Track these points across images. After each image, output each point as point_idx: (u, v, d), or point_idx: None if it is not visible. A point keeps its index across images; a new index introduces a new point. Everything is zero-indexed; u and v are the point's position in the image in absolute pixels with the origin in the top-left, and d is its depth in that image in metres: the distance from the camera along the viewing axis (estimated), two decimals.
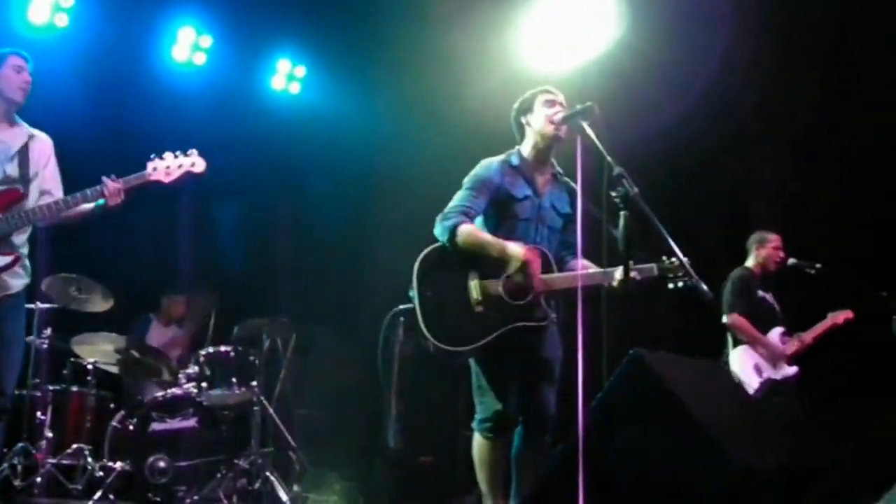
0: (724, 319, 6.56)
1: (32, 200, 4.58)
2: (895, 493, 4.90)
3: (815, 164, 7.80)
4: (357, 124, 8.32)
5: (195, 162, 4.85)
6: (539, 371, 4.40)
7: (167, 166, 4.75)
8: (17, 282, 4.54)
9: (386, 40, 7.99)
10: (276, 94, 8.72)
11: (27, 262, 4.59)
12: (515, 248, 4.26)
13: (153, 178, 4.72)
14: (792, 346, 6.56)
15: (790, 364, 6.55)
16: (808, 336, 6.62)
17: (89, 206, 4.58)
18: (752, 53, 7.68)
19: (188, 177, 4.83)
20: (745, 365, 6.48)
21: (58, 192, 4.69)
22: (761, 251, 6.81)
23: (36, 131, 4.72)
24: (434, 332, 4.23)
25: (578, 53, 6.93)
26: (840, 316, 6.65)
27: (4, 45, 4.70)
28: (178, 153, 4.80)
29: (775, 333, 6.61)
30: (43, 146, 4.72)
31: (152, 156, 4.73)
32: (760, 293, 6.72)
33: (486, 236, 4.38)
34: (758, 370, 6.47)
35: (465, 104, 7.21)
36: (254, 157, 8.21)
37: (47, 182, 4.69)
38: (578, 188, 4.04)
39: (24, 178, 4.57)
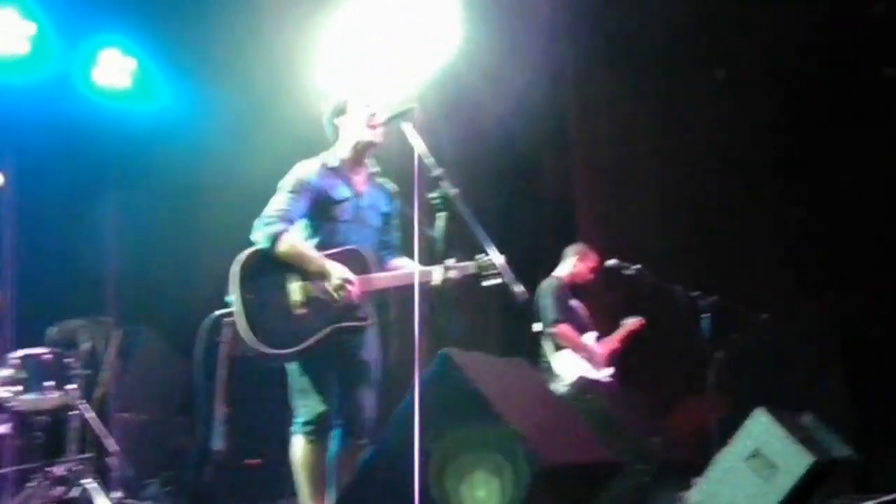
0: (550, 329, 6.79)
1: None
2: (709, 479, 5.16)
3: (635, 165, 8.11)
4: (186, 121, 8.08)
5: None
6: (357, 372, 4.41)
7: None
8: None
9: (218, 36, 7.82)
10: (102, 88, 8.39)
11: None
12: (337, 270, 4.24)
13: None
14: (606, 349, 6.89)
15: (607, 365, 6.87)
16: (613, 342, 6.96)
17: None
18: (570, 54, 7.91)
19: None
20: (571, 366, 6.72)
21: None
22: (578, 265, 7.06)
23: None
24: (255, 335, 4.17)
25: (405, 54, 6.96)
26: (634, 323, 7.06)
27: None
28: None
29: (589, 339, 6.91)
30: None
31: None
32: (572, 302, 6.99)
33: (309, 252, 4.33)
34: (582, 370, 6.76)
35: (294, 106, 7.14)
36: (79, 152, 7.89)
37: None
38: (416, 194, 4.04)
39: None
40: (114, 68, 8.35)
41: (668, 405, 7.55)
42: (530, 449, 3.26)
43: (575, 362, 6.78)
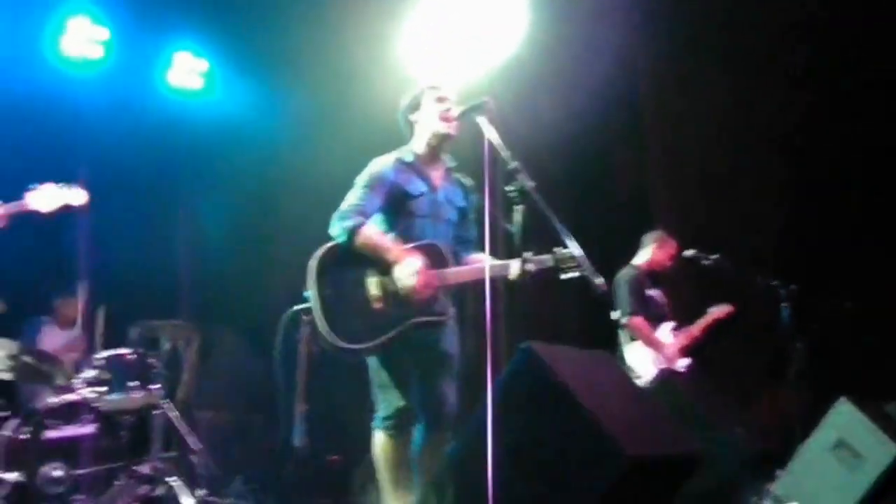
0: (623, 321, 6.74)
1: None
2: (793, 470, 5.06)
3: (711, 154, 7.99)
4: (258, 121, 8.19)
5: (75, 196, 4.77)
6: (438, 366, 4.39)
7: (47, 197, 4.65)
8: None
9: (288, 36, 7.90)
10: (176, 90, 8.52)
11: None
12: (413, 260, 4.24)
13: (31, 207, 4.63)
14: (682, 341, 6.79)
15: (683, 357, 6.78)
16: (695, 330, 6.84)
17: None
18: (645, 46, 7.82)
19: (68, 210, 4.75)
20: (643, 358, 6.65)
21: None
22: (657, 252, 6.98)
23: None
24: (334, 330, 4.18)
25: (475, 50, 6.96)
26: (722, 311, 6.91)
27: None
28: (60, 184, 4.70)
29: (665, 329, 6.82)
30: None
31: (32, 185, 4.62)
32: (649, 292, 6.91)
33: (387, 242, 4.34)
34: (655, 364, 6.69)
35: (366, 103, 7.17)
36: (153, 154, 8.02)
37: None
38: (486, 186, 4.03)
39: None
40: (186, 71, 8.49)
41: (750, 396, 7.41)
42: (615, 442, 3.22)
43: (647, 354, 6.72)
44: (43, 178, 5.11)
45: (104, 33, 7.86)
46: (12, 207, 4.55)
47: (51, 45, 7.72)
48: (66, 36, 7.73)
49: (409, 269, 4.22)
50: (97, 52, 7.85)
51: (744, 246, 6.96)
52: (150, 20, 8.02)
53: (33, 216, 4.71)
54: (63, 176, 5.23)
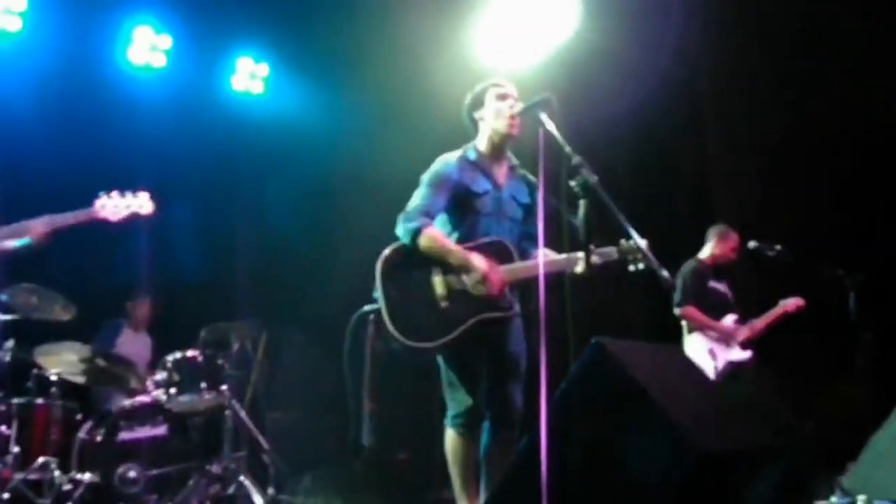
0: (676, 311, 6.77)
1: None
2: (864, 462, 4.96)
3: (772, 145, 7.88)
4: (320, 121, 8.26)
5: (143, 204, 4.86)
6: (505, 364, 4.40)
7: (115, 205, 4.74)
8: None
9: (347, 38, 7.95)
10: (239, 95, 8.63)
11: None
12: (479, 262, 4.25)
13: (100, 215, 4.72)
14: (743, 334, 6.72)
15: (743, 349, 6.70)
16: (760, 323, 6.83)
17: (11, 244, 4.51)
18: (705, 41, 7.75)
19: (136, 218, 4.83)
20: (699, 351, 6.62)
21: None
22: (719, 246, 6.99)
23: None
24: (401, 330, 4.21)
25: (535, 46, 6.95)
26: (791, 304, 6.84)
27: None
28: (127, 193, 4.79)
29: (728, 321, 6.78)
30: None
31: (101, 193, 4.71)
32: (712, 283, 6.89)
33: (450, 245, 4.35)
34: (712, 354, 6.68)
35: (428, 100, 7.20)
36: (216, 159, 8.15)
37: None
38: (541, 180, 4.03)
39: None
40: (247, 75, 8.59)
41: (819, 388, 7.29)
42: (689, 437, 3.17)
43: (703, 346, 6.69)
44: (111, 185, 5.20)
45: (167, 42, 8.00)
46: (82, 216, 4.64)
47: (118, 55, 7.90)
48: (132, 46, 7.88)
49: (478, 274, 4.22)
50: (160, 61, 7.99)
51: (807, 237, 6.84)
52: (210, 27, 8.14)
53: (102, 224, 4.78)
54: (130, 181, 5.33)
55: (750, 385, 6.54)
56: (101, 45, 7.82)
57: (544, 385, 3.42)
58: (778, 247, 6.62)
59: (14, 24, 7.19)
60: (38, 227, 4.45)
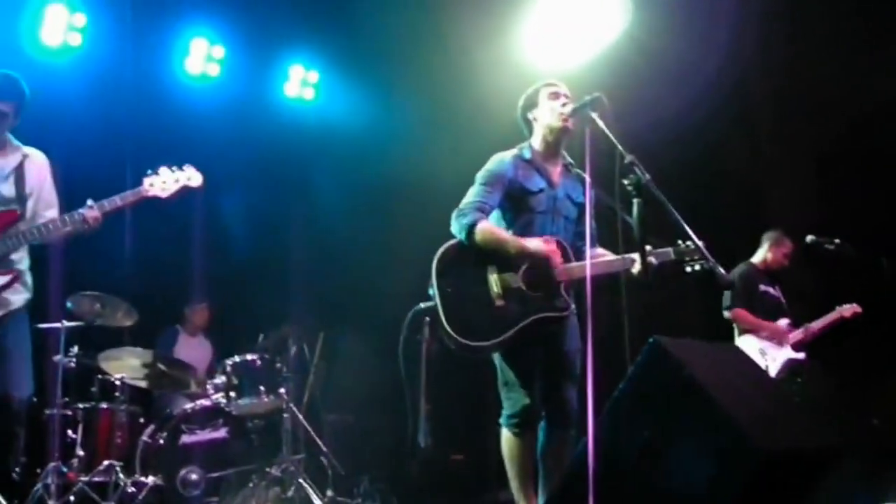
0: (726, 314, 6.81)
1: (28, 220, 4.61)
2: None
3: (824, 142, 7.77)
4: (371, 124, 8.33)
5: (191, 176, 4.90)
6: (561, 364, 4.39)
7: (163, 181, 4.79)
8: (18, 297, 4.59)
9: (395, 42, 7.99)
10: (291, 101, 8.73)
11: (27, 279, 4.64)
12: (536, 245, 4.26)
13: (150, 193, 4.76)
14: (796, 337, 6.66)
15: (796, 351, 6.64)
16: (816, 326, 6.75)
17: (70, 228, 4.59)
18: (757, 39, 7.66)
19: (186, 192, 4.86)
20: (751, 352, 6.60)
21: (52, 212, 4.70)
22: (773, 251, 7.00)
23: (30, 150, 4.73)
24: (456, 328, 4.23)
25: (585, 46, 6.94)
26: (848, 310, 6.76)
27: (14, 69, 4.72)
28: (174, 168, 4.83)
29: (781, 324, 6.72)
30: (38, 165, 4.73)
31: (149, 172, 4.77)
32: (763, 287, 6.86)
33: (505, 234, 4.38)
34: (762, 354, 6.65)
35: (478, 101, 7.22)
36: (270, 165, 8.25)
37: (43, 201, 4.70)
38: (587, 177, 4.03)
39: (21, 198, 4.60)
40: (299, 82, 8.70)
41: (881, 385, 7.17)
42: (750, 437, 3.14)
43: (755, 346, 6.67)
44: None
45: (221, 52, 8.14)
46: (131, 196, 4.68)
47: (175, 66, 8.05)
48: (189, 57, 8.03)
49: (538, 259, 4.23)
50: (215, 70, 8.13)
51: (860, 241, 6.73)
52: (262, 37, 8.26)
53: (155, 203, 4.81)
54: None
55: (810, 383, 6.46)
56: (159, 56, 7.98)
57: (591, 384, 3.42)
58: (837, 240, 6.54)
59: (75, 40, 7.36)
60: (91, 213, 4.53)
